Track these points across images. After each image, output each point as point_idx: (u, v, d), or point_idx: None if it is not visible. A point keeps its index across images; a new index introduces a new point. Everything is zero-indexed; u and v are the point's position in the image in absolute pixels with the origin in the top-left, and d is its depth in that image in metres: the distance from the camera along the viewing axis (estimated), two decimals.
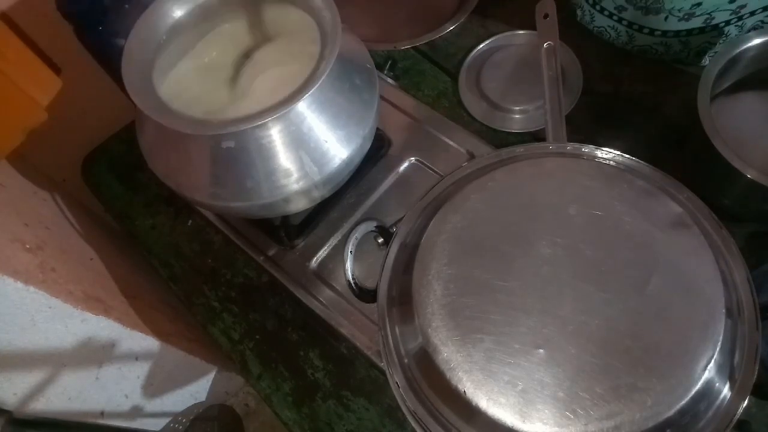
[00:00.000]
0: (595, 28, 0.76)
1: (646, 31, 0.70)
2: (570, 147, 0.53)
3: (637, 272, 0.43)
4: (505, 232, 0.46)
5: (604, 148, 0.52)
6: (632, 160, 0.52)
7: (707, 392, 0.39)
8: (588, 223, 0.46)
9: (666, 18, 0.67)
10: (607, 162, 0.51)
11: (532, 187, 0.49)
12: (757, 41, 0.63)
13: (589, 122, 0.73)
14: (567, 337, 0.41)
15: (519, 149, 0.54)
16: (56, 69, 0.71)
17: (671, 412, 0.38)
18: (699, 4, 0.64)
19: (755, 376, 0.41)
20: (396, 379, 0.44)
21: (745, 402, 0.40)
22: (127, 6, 0.64)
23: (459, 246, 0.46)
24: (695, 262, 0.43)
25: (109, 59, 0.68)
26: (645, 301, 0.42)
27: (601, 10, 0.73)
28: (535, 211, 0.47)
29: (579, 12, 0.76)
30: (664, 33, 0.69)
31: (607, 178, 0.49)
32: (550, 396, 0.39)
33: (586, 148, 0.53)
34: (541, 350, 0.41)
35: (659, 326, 0.41)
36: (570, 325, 0.41)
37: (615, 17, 0.72)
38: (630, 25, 0.71)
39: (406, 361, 0.45)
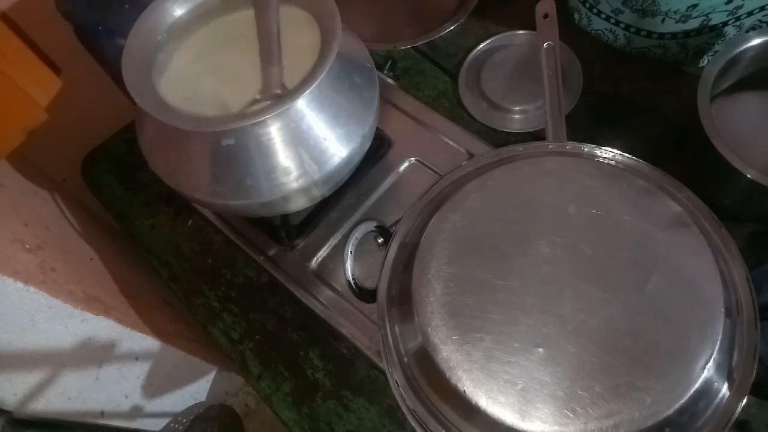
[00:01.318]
0: (593, 31, 0.76)
1: (643, 33, 0.70)
2: (570, 146, 0.53)
3: (637, 271, 0.43)
4: (504, 231, 0.46)
5: (603, 147, 0.52)
6: (632, 159, 0.52)
7: (706, 391, 0.39)
8: (587, 222, 0.46)
9: (663, 20, 0.67)
10: (607, 161, 0.51)
11: (531, 186, 0.49)
12: (756, 41, 0.63)
13: (589, 122, 0.73)
14: (566, 336, 0.41)
15: (519, 148, 0.54)
16: (56, 69, 0.71)
17: (670, 411, 0.38)
18: (695, 6, 0.64)
19: (754, 375, 0.41)
20: (396, 378, 0.44)
21: (744, 401, 0.40)
22: (127, 6, 0.64)
23: (458, 245, 0.46)
24: (695, 261, 0.43)
25: (109, 59, 0.68)
26: (644, 300, 0.42)
27: (598, 14, 0.73)
28: (534, 210, 0.47)
29: (576, 15, 0.76)
30: (662, 35, 0.69)
31: (607, 178, 0.49)
32: (550, 395, 0.39)
33: (586, 147, 0.53)
34: (541, 349, 0.41)
35: (658, 325, 0.41)
36: (569, 324, 0.41)
37: (612, 20, 0.72)
38: (627, 27, 0.71)
39: (405, 360, 0.45)
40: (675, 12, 0.65)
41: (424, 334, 0.43)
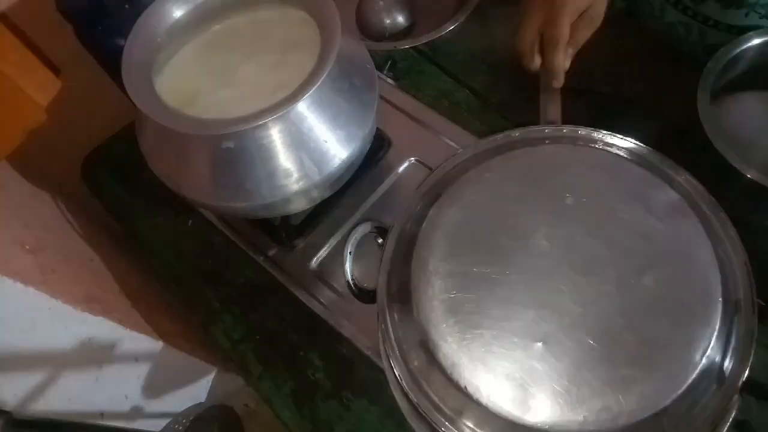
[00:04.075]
0: (664, 25, 0.72)
1: (722, 27, 0.67)
2: (566, 129, 0.53)
3: (635, 262, 0.43)
4: (502, 224, 0.46)
5: (600, 130, 0.52)
6: (628, 141, 0.51)
7: (704, 381, 0.39)
8: (585, 213, 0.46)
9: (747, 14, 0.64)
10: (604, 145, 0.51)
11: (528, 177, 0.49)
12: (757, 41, 0.63)
13: (590, 122, 0.73)
14: (565, 329, 0.41)
15: (515, 134, 0.54)
16: (56, 69, 0.71)
17: (668, 402, 0.38)
18: None
19: (749, 365, 0.41)
20: (397, 373, 0.44)
21: (740, 384, 0.40)
22: (127, 6, 0.64)
23: (456, 240, 0.46)
24: (693, 251, 0.44)
25: (109, 59, 0.68)
26: (642, 291, 0.42)
27: (675, 4, 0.69)
28: (531, 201, 0.47)
29: (648, 9, 0.73)
30: (741, 30, 0.66)
31: (605, 165, 0.49)
32: (549, 388, 0.39)
33: (583, 131, 0.53)
34: (540, 343, 0.41)
35: (657, 317, 0.41)
36: (568, 318, 0.42)
37: (690, 12, 0.68)
38: (705, 20, 0.67)
39: (405, 356, 0.45)
40: (763, 6, 0.62)
41: (424, 331, 0.43)
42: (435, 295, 0.44)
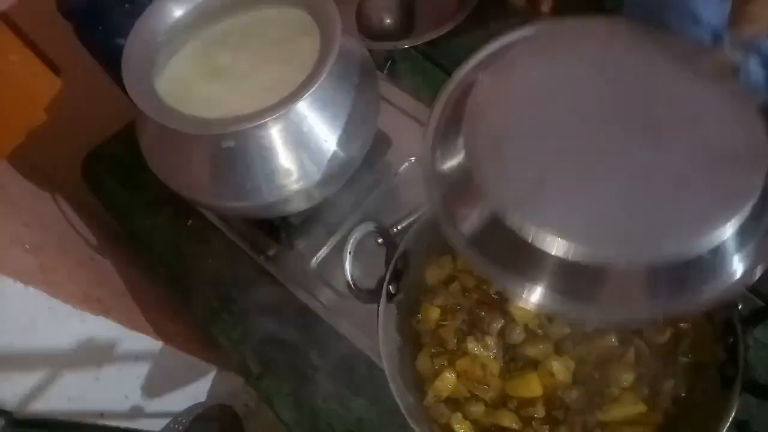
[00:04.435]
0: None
1: None
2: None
3: (686, 117, 0.43)
4: (557, 86, 0.46)
5: None
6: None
7: (746, 235, 0.40)
8: (637, 76, 0.45)
9: None
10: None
11: (581, 48, 0.48)
12: None
13: None
14: (624, 174, 0.41)
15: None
16: (56, 69, 0.71)
17: (707, 249, 0.38)
18: None
19: None
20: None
21: None
22: (127, 6, 0.64)
23: (514, 96, 0.45)
24: (740, 104, 0.43)
25: (109, 59, 0.68)
26: (694, 145, 0.42)
27: None
28: (584, 67, 0.46)
29: None
30: None
31: (652, 36, 0.48)
32: (602, 228, 0.39)
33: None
34: (592, 186, 0.40)
35: (707, 169, 0.41)
36: (626, 163, 0.41)
37: None
38: None
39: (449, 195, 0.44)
40: None
41: (471, 174, 0.42)
42: (487, 132, 0.43)
